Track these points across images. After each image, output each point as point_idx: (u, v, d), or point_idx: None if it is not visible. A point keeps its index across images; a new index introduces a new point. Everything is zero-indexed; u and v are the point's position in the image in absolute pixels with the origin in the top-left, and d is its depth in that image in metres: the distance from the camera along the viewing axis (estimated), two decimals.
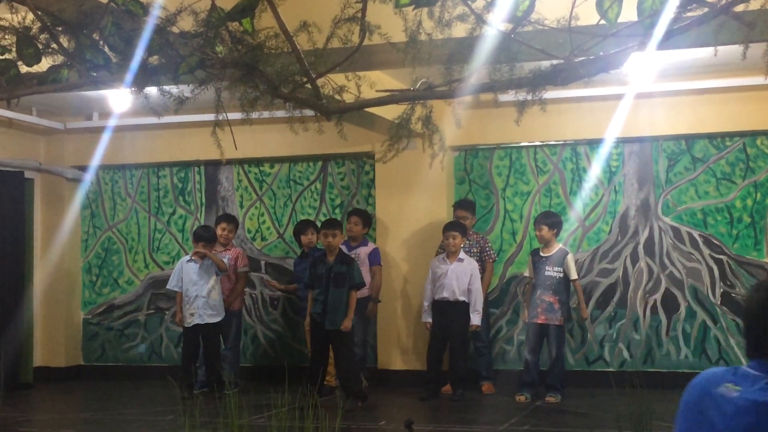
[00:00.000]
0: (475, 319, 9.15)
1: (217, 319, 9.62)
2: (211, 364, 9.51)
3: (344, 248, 9.64)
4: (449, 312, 9.14)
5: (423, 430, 7.51)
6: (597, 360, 9.95)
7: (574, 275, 9.19)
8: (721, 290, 9.68)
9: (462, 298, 9.14)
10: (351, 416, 7.80)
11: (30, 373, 11.03)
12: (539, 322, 9.07)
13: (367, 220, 10.07)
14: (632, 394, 8.48)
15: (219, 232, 10.01)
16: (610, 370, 9.68)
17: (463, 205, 9.78)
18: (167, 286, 9.91)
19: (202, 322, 9.52)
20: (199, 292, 9.52)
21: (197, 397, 8.38)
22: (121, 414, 8.79)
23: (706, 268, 9.74)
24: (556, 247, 9.24)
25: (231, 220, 10.28)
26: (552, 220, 9.31)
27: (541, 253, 9.24)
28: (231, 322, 9.90)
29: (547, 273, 9.08)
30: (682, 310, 9.78)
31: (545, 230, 9.19)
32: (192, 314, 9.53)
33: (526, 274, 9.44)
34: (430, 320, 9.30)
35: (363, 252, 9.70)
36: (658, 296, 9.86)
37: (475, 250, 9.60)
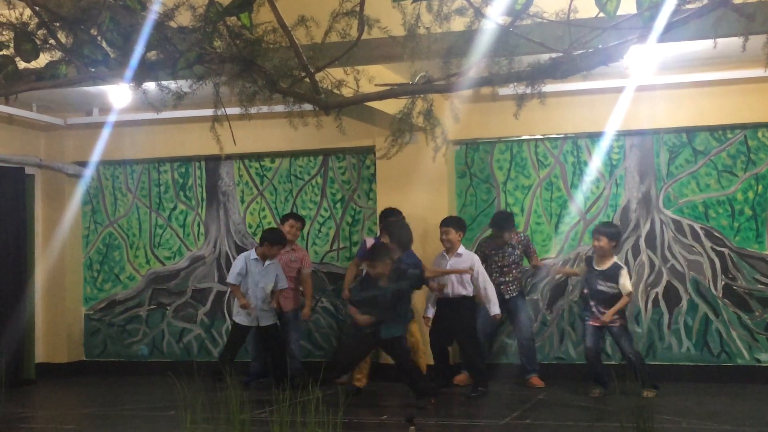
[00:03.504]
0: (493, 309, 9.03)
1: (274, 321, 9.64)
2: (281, 361, 9.53)
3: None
4: (452, 308, 9.05)
5: (425, 425, 7.51)
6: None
7: (629, 288, 8.85)
8: (723, 283, 9.67)
9: (463, 293, 9.05)
10: (353, 411, 7.80)
11: (32, 369, 11.05)
12: (596, 324, 8.87)
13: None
14: (634, 387, 8.51)
15: (287, 229, 9.97)
16: (612, 363, 9.65)
17: (499, 223, 9.65)
18: (228, 280, 9.78)
19: (261, 325, 9.52)
20: (260, 294, 9.51)
21: (227, 388, 8.41)
22: (122, 409, 8.80)
23: (708, 261, 9.73)
24: (611, 260, 8.93)
25: (299, 218, 10.24)
26: (612, 230, 9.06)
27: (595, 266, 8.93)
28: (290, 321, 9.93)
29: (599, 287, 8.84)
30: (684, 303, 9.77)
31: (604, 241, 8.89)
32: (249, 314, 9.51)
33: (579, 274, 9.32)
34: (429, 315, 9.25)
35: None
36: (659, 289, 9.85)
37: (519, 251, 9.64)
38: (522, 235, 9.83)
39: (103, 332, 11.60)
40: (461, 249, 9.18)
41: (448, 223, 9.24)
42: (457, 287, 9.05)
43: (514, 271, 9.57)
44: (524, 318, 9.64)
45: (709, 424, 7.33)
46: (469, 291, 9.09)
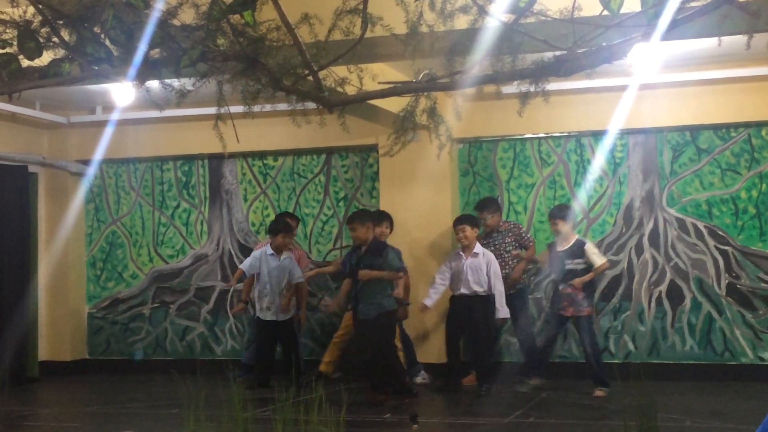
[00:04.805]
0: (501, 312, 9.06)
1: (291, 315, 9.73)
2: (296, 356, 9.69)
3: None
4: (469, 306, 9.08)
5: (428, 423, 7.50)
6: (602, 352, 9.91)
7: (599, 261, 9.02)
8: (727, 281, 9.66)
9: (480, 291, 9.07)
10: (355, 409, 7.79)
11: (35, 368, 11.06)
12: (566, 314, 9.00)
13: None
14: (637, 386, 8.49)
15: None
16: (615, 361, 9.66)
17: (479, 205, 9.71)
18: (242, 266, 9.84)
19: (279, 320, 9.61)
20: (277, 288, 9.56)
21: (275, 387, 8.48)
22: (126, 408, 8.80)
23: (711, 260, 9.72)
24: (573, 238, 9.12)
25: (293, 218, 10.33)
26: (565, 212, 9.19)
27: (558, 248, 9.09)
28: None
29: (567, 267, 8.96)
30: (687, 301, 9.76)
31: (560, 224, 9.05)
32: (269, 308, 9.60)
33: (546, 265, 9.45)
34: (428, 304, 9.20)
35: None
36: (663, 288, 9.84)
37: (510, 239, 9.58)
38: (511, 223, 9.80)
39: (106, 330, 11.60)
40: (477, 248, 9.18)
41: (462, 220, 9.25)
42: (473, 285, 9.08)
43: (510, 262, 9.53)
44: (523, 318, 9.61)
45: (713, 422, 7.33)
46: (485, 289, 9.09)
